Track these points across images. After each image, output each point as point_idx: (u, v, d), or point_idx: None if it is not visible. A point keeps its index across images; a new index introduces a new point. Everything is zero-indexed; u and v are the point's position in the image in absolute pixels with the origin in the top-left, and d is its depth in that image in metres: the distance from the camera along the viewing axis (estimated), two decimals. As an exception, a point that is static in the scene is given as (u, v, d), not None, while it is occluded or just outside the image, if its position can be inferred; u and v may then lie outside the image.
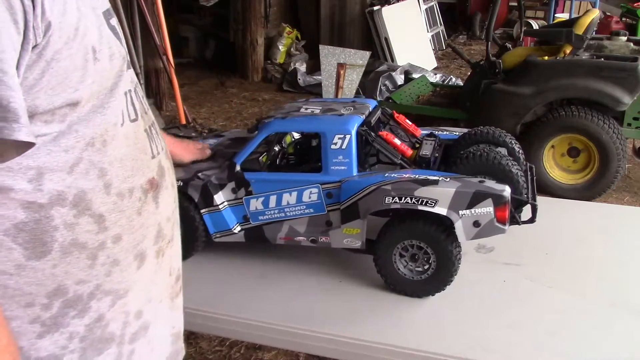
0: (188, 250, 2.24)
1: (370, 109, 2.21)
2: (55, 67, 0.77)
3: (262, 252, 2.31)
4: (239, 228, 2.15)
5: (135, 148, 0.93)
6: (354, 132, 2.00)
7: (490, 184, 1.86)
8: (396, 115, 2.35)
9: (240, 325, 1.95)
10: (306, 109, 2.19)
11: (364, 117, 2.09)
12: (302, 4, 8.46)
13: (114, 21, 0.92)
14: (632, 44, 4.49)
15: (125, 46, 0.95)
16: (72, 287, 0.86)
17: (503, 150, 2.14)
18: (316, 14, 8.18)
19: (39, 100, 0.77)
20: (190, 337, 2.66)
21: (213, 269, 2.24)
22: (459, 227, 1.86)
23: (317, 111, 2.15)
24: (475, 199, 1.83)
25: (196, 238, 2.20)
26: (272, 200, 2.08)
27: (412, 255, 1.96)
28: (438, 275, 1.94)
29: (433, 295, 1.98)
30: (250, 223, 2.14)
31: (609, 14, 8.58)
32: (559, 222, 2.33)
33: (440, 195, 1.84)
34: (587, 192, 4.03)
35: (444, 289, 1.97)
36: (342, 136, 1.99)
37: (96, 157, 0.85)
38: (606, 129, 3.87)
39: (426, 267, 1.96)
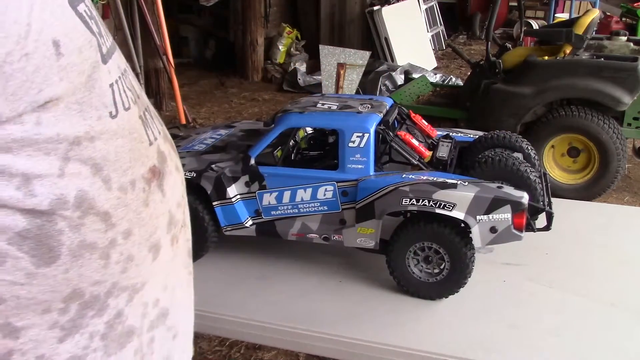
0: (197, 252, 2.25)
1: (388, 107, 2.20)
2: (9, 71, 0.71)
3: (262, 252, 2.31)
4: (250, 222, 2.15)
5: (130, 138, 0.89)
6: (372, 131, 1.99)
7: (509, 190, 1.86)
8: (412, 114, 2.34)
9: (240, 325, 1.95)
10: (322, 104, 2.18)
11: (382, 115, 2.08)
12: (302, 4, 8.45)
13: (83, 7, 0.84)
14: (632, 44, 4.49)
15: (103, 32, 0.88)
16: (88, 289, 0.84)
17: (519, 156, 2.14)
18: (316, 14, 8.18)
19: (1, 109, 0.72)
20: (190, 337, 2.65)
21: (213, 270, 2.24)
22: (476, 232, 1.86)
23: (334, 107, 2.15)
24: (494, 205, 1.82)
25: (206, 238, 2.20)
26: (286, 195, 2.07)
27: (425, 257, 1.96)
28: (451, 277, 1.94)
29: (447, 297, 1.98)
30: (262, 217, 2.13)
31: (609, 14, 8.58)
32: (559, 222, 2.33)
33: (458, 199, 1.83)
34: (587, 192, 4.03)
35: (457, 291, 1.96)
36: (360, 134, 1.98)
37: (85, 154, 0.81)
38: (606, 129, 3.86)
39: (436, 270, 1.95)
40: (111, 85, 0.87)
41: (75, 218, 0.81)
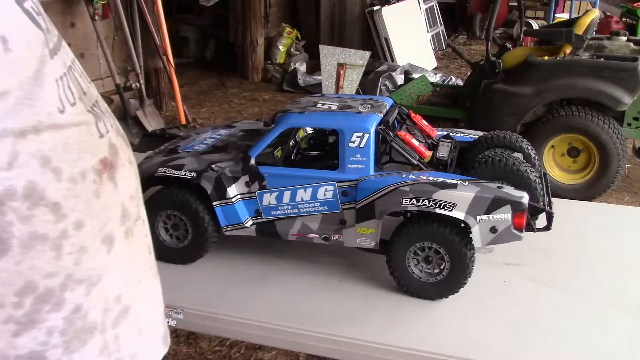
0: (198, 252, 2.24)
1: (388, 107, 2.20)
2: None
3: (262, 252, 2.31)
4: (250, 222, 2.15)
5: (78, 130, 0.90)
6: (372, 131, 1.99)
7: (509, 190, 1.86)
8: (412, 114, 2.34)
9: (240, 325, 1.95)
10: (323, 104, 2.18)
11: (382, 115, 2.08)
12: (302, 4, 8.46)
13: (30, 4, 0.85)
14: (632, 44, 4.49)
15: (50, 29, 0.90)
16: (42, 281, 0.84)
17: (519, 156, 2.14)
18: (316, 14, 8.18)
19: None
20: (190, 337, 2.65)
21: (213, 269, 2.24)
22: (476, 232, 1.86)
23: (334, 107, 2.15)
24: (494, 205, 1.82)
25: (206, 238, 2.20)
26: (286, 195, 2.07)
27: (425, 257, 1.96)
28: (451, 277, 1.94)
29: (447, 297, 1.98)
30: (262, 217, 2.14)
31: (609, 14, 8.58)
32: (559, 222, 2.33)
33: (458, 199, 1.83)
34: (587, 192, 4.03)
35: (457, 291, 1.96)
36: (360, 134, 1.98)
37: (32, 146, 0.82)
38: (606, 129, 3.86)
39: (436, 270, 1.95)
40: (57, 81, 0.88)
41: (25, 209, 0.81)
